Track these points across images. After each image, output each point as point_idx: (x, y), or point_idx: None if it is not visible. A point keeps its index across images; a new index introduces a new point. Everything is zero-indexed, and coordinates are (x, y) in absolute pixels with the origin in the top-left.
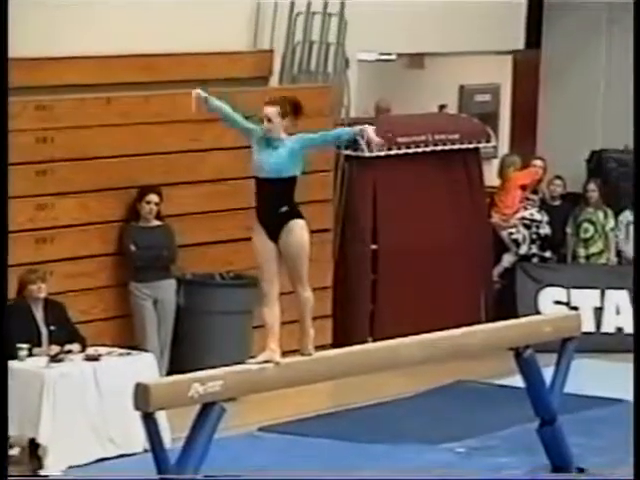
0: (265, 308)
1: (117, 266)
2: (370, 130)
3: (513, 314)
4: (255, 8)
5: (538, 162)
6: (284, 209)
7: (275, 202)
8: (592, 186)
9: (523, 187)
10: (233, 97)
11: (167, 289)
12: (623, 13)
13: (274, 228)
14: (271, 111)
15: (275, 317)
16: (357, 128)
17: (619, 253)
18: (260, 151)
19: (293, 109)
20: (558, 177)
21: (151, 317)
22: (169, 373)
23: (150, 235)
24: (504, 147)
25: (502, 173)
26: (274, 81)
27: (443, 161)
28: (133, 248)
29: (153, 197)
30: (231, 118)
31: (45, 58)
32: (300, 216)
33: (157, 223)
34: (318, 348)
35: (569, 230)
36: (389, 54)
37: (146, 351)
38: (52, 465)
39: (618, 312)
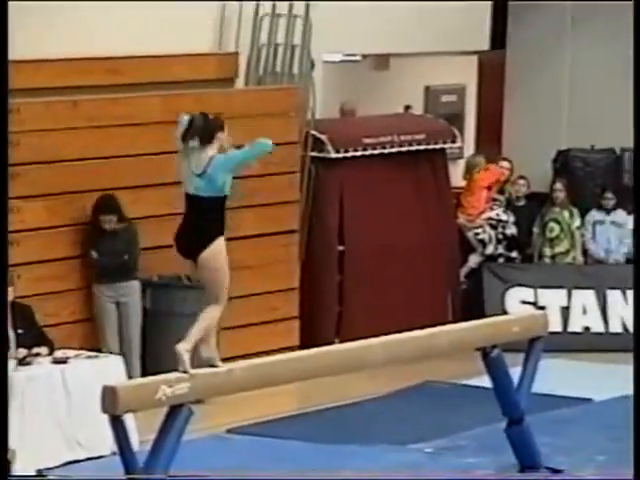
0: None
1: (84, 269)
2: None
3: (480, 314)
4: (220, 10)
5: (505, 163)
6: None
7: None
8: (558, 186)
9: (489, 187)
10: (199, 99)
11: (129, 291)
12: (588, 13)
13: None
14: None
15: None
16: None
17: (585, 252)
18: None
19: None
20: (522, 177)
21: (112, 319)
22: (141, 376)
23: (112, 240)
24: (470, 148)
25: (467, 174)
26: (240, 83)
27: (409, 162)
28: (95, 255)
29: (106, 217)
30: None
31: (10, 61)
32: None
33: (120, 226)
34: (285, 349)
35: (536, 230)
36: (354, 55)
37: (112, 353)
38: (20, 468)
39: (585, 311)
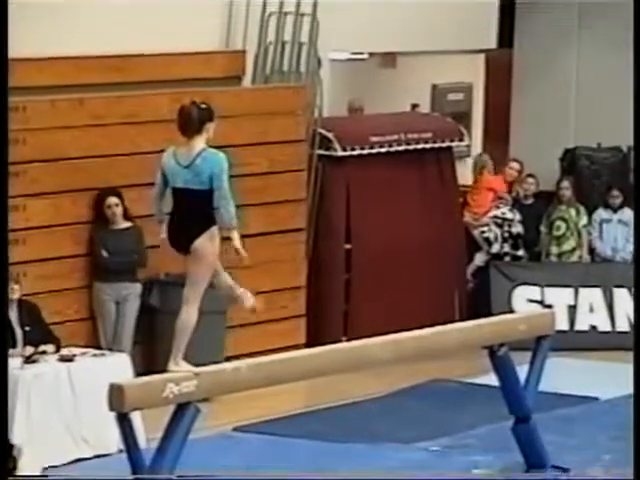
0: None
1: (90, 267)
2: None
3: (487, 313)
4: (227, 8)
5: (515, 165)
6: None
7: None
8: (565, 184)
9: (494, 190)
10: (206, 97)
11: (131, 291)
12: (594, 12)
13: None
14: None
15: None
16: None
17: (592, 251)
18: None
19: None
20: (530, 175)
21: (112, 318)
22: (143, 374)
23: (120, 239)
24: (477, 146)
25: (475, 173)
26: (247, 81)
27: (416, 160)
28: (105, 254)
29: (112, 200)
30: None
31: (16, 59)
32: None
33: (126, 225)
34: (292, 348)
35: (542, 228)
36: (361, 53)
37: (120, 351)
38: (27, 466)
39: (592, 310)
